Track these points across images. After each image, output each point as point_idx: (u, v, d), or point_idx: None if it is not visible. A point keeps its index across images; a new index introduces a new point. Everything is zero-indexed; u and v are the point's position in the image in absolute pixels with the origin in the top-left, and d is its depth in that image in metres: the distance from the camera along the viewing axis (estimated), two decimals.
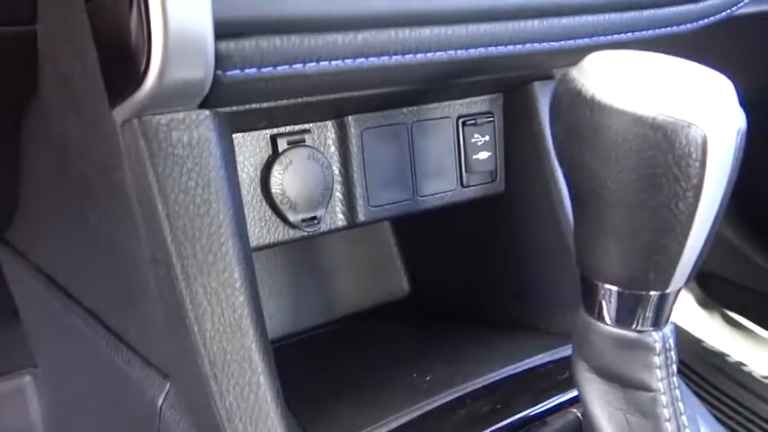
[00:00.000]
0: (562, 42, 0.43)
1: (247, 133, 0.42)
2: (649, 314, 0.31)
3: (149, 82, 0.28)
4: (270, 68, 0.32)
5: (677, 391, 0.32)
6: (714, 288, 1.54)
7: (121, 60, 0.29)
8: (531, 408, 0.40)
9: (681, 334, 1.48)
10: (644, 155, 0.27)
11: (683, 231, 0.28)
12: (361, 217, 0.46)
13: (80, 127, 0.37)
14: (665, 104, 0.27)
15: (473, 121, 0.50)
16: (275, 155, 0.42)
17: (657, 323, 0.32)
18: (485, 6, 0.37)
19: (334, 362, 0.50)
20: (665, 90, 0.27)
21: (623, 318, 0.31)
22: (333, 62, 0.33)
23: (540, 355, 0.47)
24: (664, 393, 0.31)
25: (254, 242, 0.42)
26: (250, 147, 0.42)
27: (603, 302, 0.32)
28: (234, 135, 0.40)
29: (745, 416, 1.27)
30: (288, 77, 0.33)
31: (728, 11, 0.53)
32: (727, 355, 1.43)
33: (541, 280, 0.51)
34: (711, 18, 0.52)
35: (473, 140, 0.51)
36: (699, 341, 1.47)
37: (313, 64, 0.33)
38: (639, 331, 0.31)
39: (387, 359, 0.50)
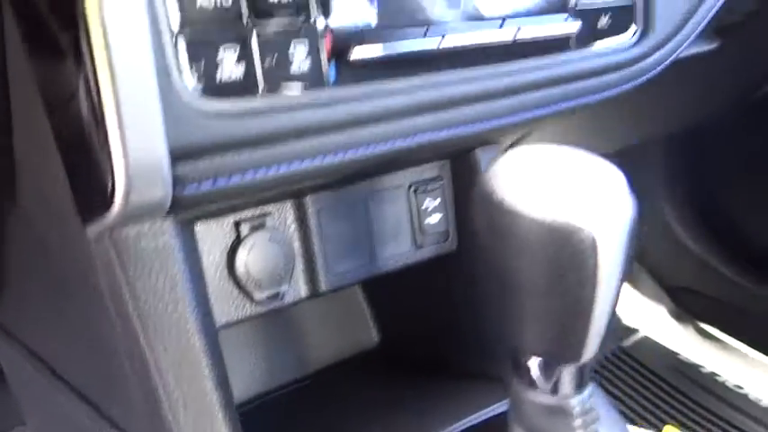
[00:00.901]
0: (503, 120, 0.48)
1: (212, 220, 0.46)
2: (567, 382, 0.35)
3: (116, 207, 0.32)
4: (225, 180, 0.36)
5: None
6: (687, 301, 1.59)
7: (89, 186, 0.33)
8: None
9: (656, 348, 1.53)
10: (547, 251, 0.32)
11: (588, 313, 0.33)
12: (323, 287, 0.51)
13: (57, 236, 0.41)
14: (561, 210, 0.31)
15: (424, 188, 0.55)
16: (238, 240, 0.46)
17: (576, 389, 0.36)
18: (426, 101, 0.42)
19: (305, 421, 0.54)
20: (561, 195, 0.32)
21: (545, 386, 0.36)
22: (286, 167, 0.38)
23: (496, 405, 0.51)
24: None
25: (222, 320, 0.46)
26: (215, 233, 0.46)
27: (529, 372, 0.36)
28: (199, 223, 0.44)
29: (720, 426, 1.32)
30: (243, 185, 0.37)
31: (671, 59, 0.57)
32: (702, 367, 1.47)
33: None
34: (659, 69, 0.57)
35: (425, 206, 0.55)
36: (674, 354, 1.52)
37: (266, 170, 0.37)
38: (561, 398, 0.36)
39: (355, 415, 0.53)
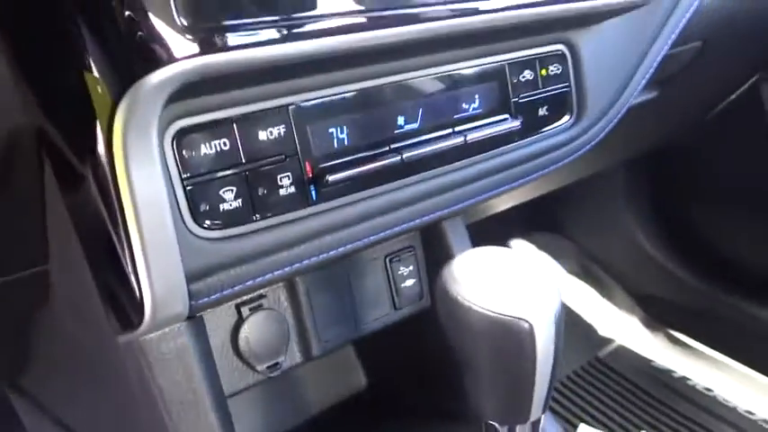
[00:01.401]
0: (460, 206, 0.56)
1: (217, 308, 0.53)
2: None
3: (145, 323, 0.40)
4: (230, 289, 0.43)
5: None
6: (656, 309, 1.68)
7: (122, 307, 0.41)
8: None
9: (630, 356, 1.62)
10: (494, 338, 0.40)
11: (531, 384, 0.41)
12: (315, 352, 0.58)
13: (88, 338, 0.48)
14: (504, 305, 0.39)
15: (398, 257, 0.63)
16: (240, 320, 0.54)
17: None
18: (393, 203, 0.50)
19: None
20: (503, 292, 0.40)
21: None
22: (281, 272, 0.46)
23: None
24: None
25: (229, 390, 0.54)
26: (219, 317, 0.54)
27: (494, 428, 0.44)
28: (207, 311, 0.52)
29: (692, 428, 1.41)
30: (246, 290, 0.45)
31: (605, 132, 0.66)
32: (673, 372, 1.56)
33: None
34: (595, 142, 0.65)
35: (400, 272, 0.63)
36: (647, 361, 1.60)
37: (263, 277, 0.45)
38: None
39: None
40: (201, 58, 0.34)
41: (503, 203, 1.43)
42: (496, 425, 0.43)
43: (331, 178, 0.44)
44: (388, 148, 0.48)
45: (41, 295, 0.51)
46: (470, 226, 1.50)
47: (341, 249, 0.49)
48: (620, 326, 1.68)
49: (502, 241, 1.77)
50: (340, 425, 0.69)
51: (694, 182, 1.56)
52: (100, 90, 0.35)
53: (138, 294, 0.39)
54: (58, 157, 0.40)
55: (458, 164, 0.53)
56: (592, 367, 1.58)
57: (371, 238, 0.51)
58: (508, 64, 0.55)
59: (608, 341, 1.64)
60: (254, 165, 0.42)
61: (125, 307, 0.40)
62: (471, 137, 0.52)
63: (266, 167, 0.42)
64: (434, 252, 0.64)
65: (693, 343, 1.61)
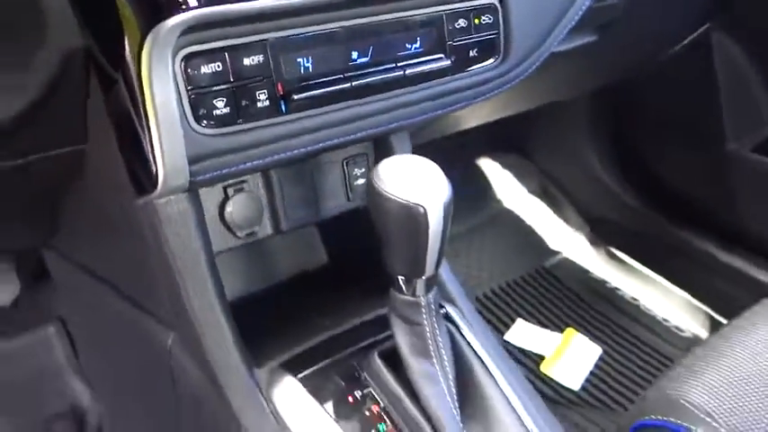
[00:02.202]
0: (401, 123, 0.72)
1: (210, 187, 0.71)
2: (419, 288, 0.62)
3: (158, 190, 0.57)
4: (220, 171, 0.60)
5: (435, 326, 0.63)
6: (602, 230, 1.87)
7: (142, 177, 0.58)
8: (372, 337, 0.71)
9: (572, 267, 1.83)
10: (401, 218, 0.57)
11: (424, 250, 0.59)
12: (283, 227, 0.76)
13: (112, 201, 0.65)
14: (408, 194, 0.57)
15: (354, 161, 0.80)
16: (226, 198, 0.71)
17: (425, 293, 0.62)
18: (344, 118, 0.66)
19: (273, 311, 0.81)
20: (409, 187, 0.57)
21: (407, 291, 0.62)
22: (258, 163, 0.62)
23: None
24: (427, 327, 0.62)
25: (216, 249, 0.72)
26: (211, 194, 0.71)
27: (399, 284, 0.63)
28: (201, 189, 0.69)
29: (613, 329, 1.63)
30: (231, 174, 0.62)
31: (528, 72, 0.81)
32: (607, 282, 1.77)
33: None
34: (518, 79, 0.81)
35: (354, 173, 0.80)
36: (586, 272, 1.81)
37: (247, 165, 0.62)
38: (416, 296, 0.62)
39: (305, 309, 0.80)
40: (204, 9, 0.50)
41: (472, 121, 1.57)
42: (402, 278, 0.62)
43: (296, 96, 0.61)
44: (342, 76, 0.63)
45: (78, 170, 0.68)
46: (440, 141, 1.66)
47: (304, 150, 0.65)
48: (568, 241, 1.87)
49: (468, 158, 1.94)
50: (304, 287, 0.88)
51: (649, 118, 1.72)
52: (133, 25, 0.51)
53: (153, 169, 0.56)
54: (100, 69, 0.56)
55: (398, 91, 0.69)
56: (537, 274, 1.78)
57: (329, 143, 0.67)
58: (446, 13, 0.70)
59: (554, 253, 1.84)
60: (239, 83, 0.58)
61: (143, 178, 0.58)
62: (410, 71, 0.68)
63: (248, 85, 0.58)
64: (382, 159, 0.81)
65: (630, 260, 1.81)
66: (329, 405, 0.65)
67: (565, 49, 1.04)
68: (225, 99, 0.57)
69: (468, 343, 0.71)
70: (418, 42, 0.69)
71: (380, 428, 0.65)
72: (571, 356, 1.51)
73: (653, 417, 0.70)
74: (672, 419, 0.68)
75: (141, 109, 0.54)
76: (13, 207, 0.80)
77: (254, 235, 0.74)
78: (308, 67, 0.62)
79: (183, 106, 0.55)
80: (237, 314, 0.70)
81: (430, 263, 0.60)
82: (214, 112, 0.57)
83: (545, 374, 1.46)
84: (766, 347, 0.77)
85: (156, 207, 0.61)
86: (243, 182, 0.73)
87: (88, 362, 1.15)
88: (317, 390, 0.66)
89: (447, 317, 0.74)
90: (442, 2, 0.69)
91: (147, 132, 0.55)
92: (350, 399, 0.66)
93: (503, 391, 0.68)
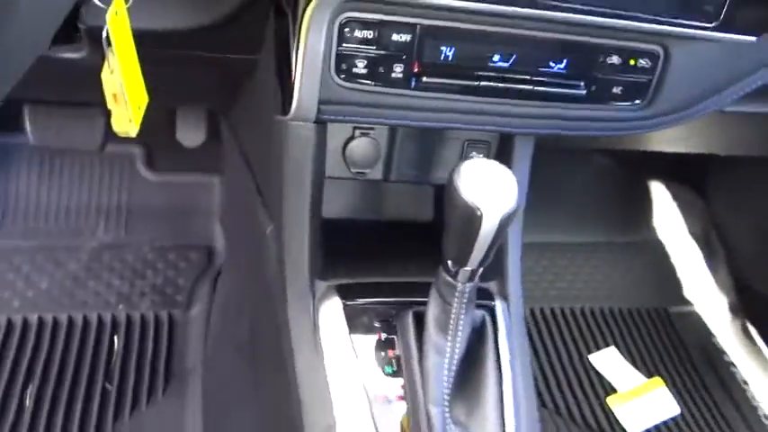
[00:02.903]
0: (525, 131, 0.78)
1: (342, 124, 0.82)
2: (461, 276, 0.70)
3: (291, 113, 0.70)
4: (345, 116, 0.72)
5: (463, 310, 0.70)
6: (746, 299, 1.74)
7: (285, 103, 0.71)
8: (418, 297, 0.79)
9: (696, 322, 1.73)
10: (460, 214, 0.64)
11: (472, 247, 0.66)
12: (392, 178, 0.87)
13: (264, 109, 0.80)
14: (474, 196, 0.63)
15: (474, 145, 0.87)
16: (352, 137, 0.83)
17: (465, 281, 0.70)
18: (464, 109, 0.73)
19: (359, 240, 0.92)
20: (478, 190, 0.64)
21: (451, 274, 0.70)
22: (380, 120, 0.73)
23: None
24: (455, 308, 0.70)
25: (329, 173, 0.84)
26: (342, 130, 0.82)
27: (446, 266, 0.71)
28: (334, 124, 0.81)
29: (709, 406, 1.55)
30: (358, 122, 0.73)
31: (671, 125, 0.82)
32: (726, 355, 1.68)
33: None
34: (659, 128, 0.82)
35: (471, 154, 0.87)
36: (710, 335, 1.72)
37: (368, 120, 0.72)
38: (456, 281, 0.70)
39: (384, 251, 0.91)
40: None
41: (660, 144, 1.52)
42: (450, 262, 0.70)
43: (426, 79, 0.69)
44: (476, 74, 0.70)
45: (250, 73, 0.83)
46: (624, 153, 1.65)
47: (426, 124, 0.74)
48: (706, 297, 1.77)
49: (642, 176, 1.87)
50: (396, 233, 0.99)
51: None
52: None
53: (292, 95, 0.69)
54: (278, 12, 0.69)
55: (526, 102, 0.74)
56: (656, 314, 1.71)
57: (450, 125, 0.75)
58: (602, 45, 0.72)
59: (686, 302, 1.76)
60: (382, 53, 0.67)
61: (284, 100, 0.70)
62: (540, 88, 0.72)
63: (389, 57, 0.68)
64: (501, 153, 0.87)
65: (761, 343, 1.69)
66: (357, 336, 0.77)
67: (752, 111, 1.00)
68: (366, 62, 0.67)
69: (497, 338, 0.78)
70: (564, 64, 0.73)
71: (387, 370, 0.76)
72: (645, 403, 1.49)
73: None
74: None
75: (295, 46, 0.66)
76: (210, 83, 0.99)
77: (364, 175, 0.85)
78: (449, 57, 0.70)
79: (330, 58, 0.66)
80: (329, 230, 0.83)
81: (474, 258, 0.67)
82: (353, 70, 0.68)
83: (609, 407, 1.47)
84: None
85: (288, 127, 0.74)
86: (371, 128, 0.83)
87: (225, 216, 1.37)
88: (354, 319, 0.78)
89: (492, 311, 0.82)
90: (607, 36, 0.71)
91: (295, 66, 0.67)
92: (376, 336, 0.77)
93: (503, 392, 0.75)
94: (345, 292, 0.80)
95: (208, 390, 1.19)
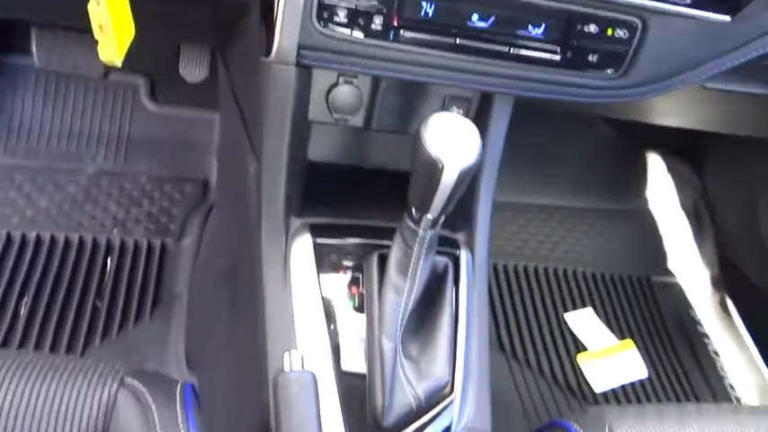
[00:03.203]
0: (500, 89, 0.80)
1: (326, 70, 0.85)
2: (423, 223, 0.73)
3: (272, 55, 0.73)
4: (324, 63, 0.74)
5: (422, 255, 0.75)
6: (730, 276, 1.77)
7: (266, 44, 0.73)
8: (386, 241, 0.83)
9: (677, 294, 1.76)
10: (423, 164, 0.68)
11: (432, 196, 0.69)
12: (372, 126, 0.90)
13: (252, 50, 0.82)
14: (437, 148, 0.67)
15: (454, 101, 0.89)
16: (336, 83, 0.85)
17: (427, 227, 0.74)
18: (436, 64, 0.76)
19: (337, 184, 0.96)
20: (442, 143, 0.67)
21: (415, 221, 0.74)
22: (359, 69, 0.75)
23: None
24: (415, 252, 0.74)
25: (311, 117, 0.87)
26: (327, 76, 0.85)
27: (411, 212, 0.75)
28: (318, 70, 0.83)
29: (677, 374, 1.59)
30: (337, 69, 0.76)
31: (645, 96, 0.84)
32: (700, 326, 1.71)
33: None
34: (631, 98, 0.84)
35: (451, 109, 0.90)
36: (688, 306, 1.75)
37: (343, 67, 0.75)
38: (417, 227, 0.74)
39: (359, 195, 0.94)
40: None
41: (662, 117, 1.53)
42: (413, 209, 0.74)
43: (404, 33, 0.71)
44: (452, 31, 0.72)
45: (243, 16, 0.86)
46: (622, 122, 1.66)
47: (404, 77, 0.77)
48: (689, 270, 1.80)
49: (642, 145, 1.88)
50: (374, 179, 1.01)
51: None
52: None
53: (274, 39, 0.71)
54: None
55: (502, 63, 0.76)
56: (638, 282, 1.74)
57: (428, 80, 0.78)
58: (581, 14, 0.74)
59: (668, 273, 1.79)
60: (364, 4, 0.69)
61: (268, 42, 0.73)
62: (514, 51, 0.74)
63: (370, 9, 0.70)
64: (480, 111, 0.90)
65: (738, 321, 1.72)
66: (325, 272, 0.82)
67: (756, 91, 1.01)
68: (346, 12, 0.70)
69: (458, 284, 0.83)
70: (542, 29, 0.74)
71: (351, 303, 0.81)
72: (614, 363, 1.54)
73: (572, 423, 0.77)
74: (578, 429, 0.75)
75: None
76: (205, 21, 1.02)
77: (347, 121, 0.89)
78: (428, 13, 0.72)
79: (311, 5, 0.69)
80: (313, 172, 0.87)
81: (435, 207, 0.71)
82: (334, 18, 0.70)
83: (578, 365, 1.52)
84: None
85: (271, 68, 0.76)
86: (355, 77, 0.86)
87: (220, 152, 1.41)
88: (323, 257, 0.83)
89: (456, 258, 0.86)
90: (586, 3, 0.72)
91: (277, 10, 0.70)
92: (341, 272, 0.82)
93: (456, 333, 0.80)
94: (317, 231, 0.85)
95: (192, 315, 1.25)
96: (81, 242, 1.36)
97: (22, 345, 1.18)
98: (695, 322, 1.72)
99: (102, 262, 1.34)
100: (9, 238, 1.32)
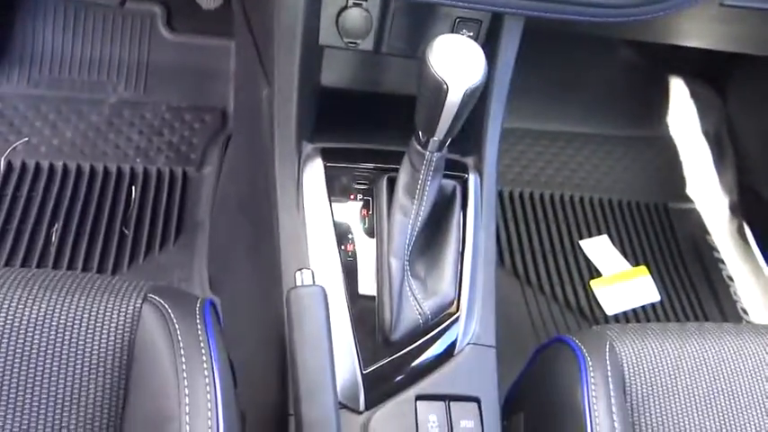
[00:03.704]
0: (522, 12, 0.80)
1: None
2: (430, 145, 0.75)
3: None
4: None
5: (429, 177, 0.77)
6: (749, 202, 1.76)
7: None
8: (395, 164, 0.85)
9: (695, 220, 1.76)
10: (429, 86, 0.69)
11: (438, 118, 0.71)
12: (383, 50, 0.90)
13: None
14: (442, 69, 0.67)
15: (465, 22, 0.88)
16: (345, 6, 0.85)
17: (434, 149, 0.75)
18: None
19: (349, 108, 0.97)
20: (447, 62, 0.68)
21: (422, 144, 0.76)
22: None
23: None
24: (422, 175, 0.76)
25: (322, 42, 0.88)
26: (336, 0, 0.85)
27: (418, 135, 0.76)
28: None
29: (690, 300, 1.62)
30: None
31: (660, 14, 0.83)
32: (717, 252, 1.73)
33: None
34: (647, 17, 0.83)
35: (462, 32, 0.89)
36: (705, 233, 1.76)
37: None
38: (425, 150, 0.76)
39: (371, 120, 0.96)
40: None
41: (690, 39, 1.49)
42: (420, 132, 0.75)
43: None
44: None
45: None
46: (646, 45, 1.62)
47: None
48: (708, 198, 1.80)
49: (665, 71, 1.84)
50: (387, 104, 1.01)
51: None
52: None
53: None
54: None
55: None
56: (655, 208, 1.74)
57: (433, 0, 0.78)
58: None
59: (687, 200, 1.78)
60: None
61: None
62: None
63: None
64: (491, 33, 0.89)
65: (755, 247, 1.72)
66: (336, 197, 0.85)
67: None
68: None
69: (465, 206, 0.85)
70: None
71: (362, 226, 0.84)
72: (627, 288, 1.57)
73: (573, 338, 0.81)
74: (579, 344, 0.78)
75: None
76: None
77: (356, 45, 0.89)
78: None
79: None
80: (326, 97, 0.88)
81: (441, 129, 0.73)
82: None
83: (591, 289, 1.55)
84: (716, 357, 0.82)
85: None
86: (365, 0, 0.86)
87: (236, 80, 1.42)
88: (334, 180, 0.85)
89: (464, 182, 0.88)
90: None
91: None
92: (351, 197, 0.84)
93: (463, 251, 0.83)
94: (329, 156, 0.87)
95: (214, 241, 1.30)
96: (106, 171, 1.40)
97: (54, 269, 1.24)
98: (711, 248, 1.73)
99: (127, 191, 1.38)
100: (38, 167, 1.37)
